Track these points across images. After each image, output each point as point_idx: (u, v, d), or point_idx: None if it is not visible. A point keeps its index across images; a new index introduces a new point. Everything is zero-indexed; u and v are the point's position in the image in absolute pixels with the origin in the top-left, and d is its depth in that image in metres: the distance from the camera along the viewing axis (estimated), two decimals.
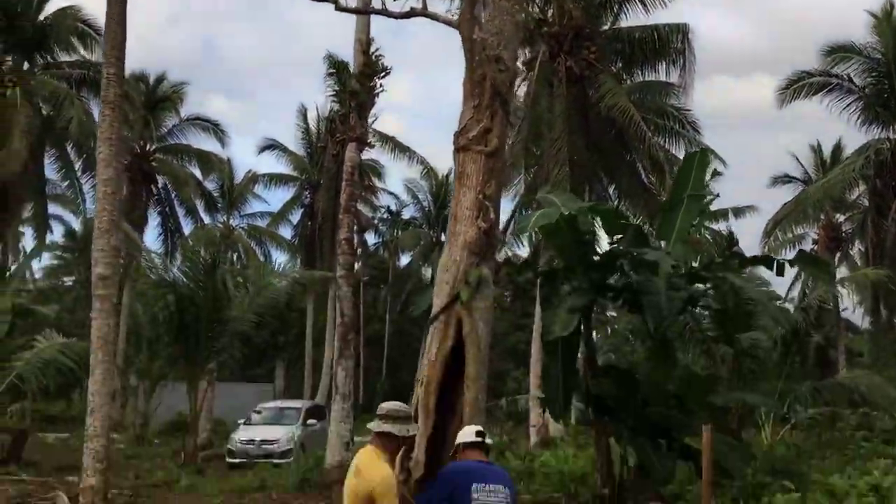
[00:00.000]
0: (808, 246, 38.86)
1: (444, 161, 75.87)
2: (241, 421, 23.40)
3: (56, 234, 46.95)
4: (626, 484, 14.15)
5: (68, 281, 51.32)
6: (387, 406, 5.34)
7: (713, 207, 41.79)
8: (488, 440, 5.46)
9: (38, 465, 18.98)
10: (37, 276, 51.30)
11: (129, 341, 34.49)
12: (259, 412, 23.52)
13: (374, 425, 5.25)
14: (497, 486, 5.10)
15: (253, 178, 42.67)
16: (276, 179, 42.13)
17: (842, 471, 13.75)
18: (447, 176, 46.61)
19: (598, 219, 14.84)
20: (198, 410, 19.50)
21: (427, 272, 46.40)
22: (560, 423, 26.26)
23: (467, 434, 5.47)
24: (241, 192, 45.11)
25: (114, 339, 8.02)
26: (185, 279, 18.08)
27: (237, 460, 20.14)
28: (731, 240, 15.07)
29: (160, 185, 39.82)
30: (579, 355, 15.17)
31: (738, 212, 41.45)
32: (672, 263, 13.07)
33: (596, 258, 13.98)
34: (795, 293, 37.97)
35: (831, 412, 23.34)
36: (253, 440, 20.90)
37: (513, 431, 27.39)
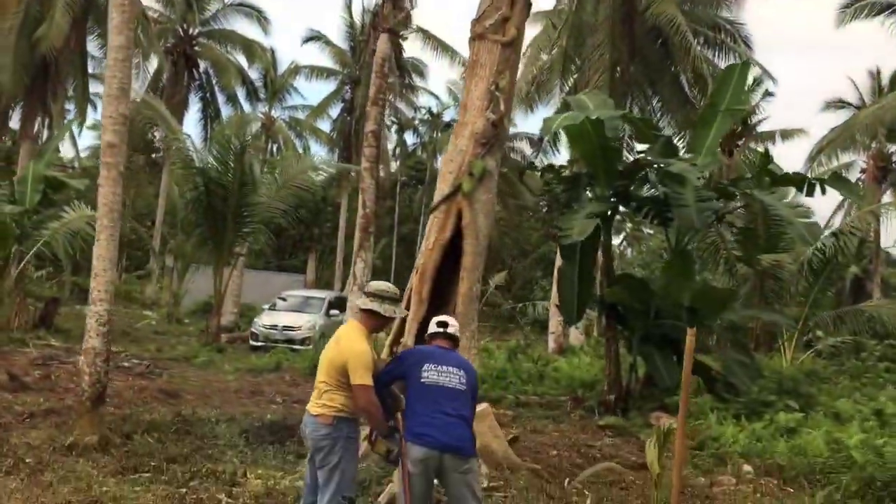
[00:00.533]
0: (855, 175, 37.87)
1: None
2: (267, 306, 23.88)
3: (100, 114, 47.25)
4: (633, 392, 14.30)
5: None
6: (375, 285, 5.38)
7: (760, 129, 40.89)
8: (451, 330, 5.35)
9: (68, 332, 19.65)
10: (83, 154, 52.16)
11: (165, 222, 35.22)
12: (284, 299, 23.90)
13: (361, 302, 5.31)
14: (451, 367, 5.09)
15: (295, 70, 42.24)
16: (317, 72, 41.66)
17: (851, 396, 13.70)
18: None
19: (629, 127, 14.59)
20: (222, 293, 19.87)
21: None
22: (581, 333, 26.57)
23: (431, 325, 5.51)
24: (282, 84, 44.91)
25: (119, 207, 8.05)
26: (213, 162, 18.20)
27: (259, 343, 20.59)
28: (766, 158, 14.54)
29: (202, 70, 39.76)
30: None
31: (786, 135, 40.32)
32: (698, 176, 12.82)
33: (621, 166, 13.79)
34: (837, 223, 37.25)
35: (855, 341, 23.18)
36: (276, 325, 21.32)
37: (535, 338, 27.61)
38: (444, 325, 5.41)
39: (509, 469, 7.34)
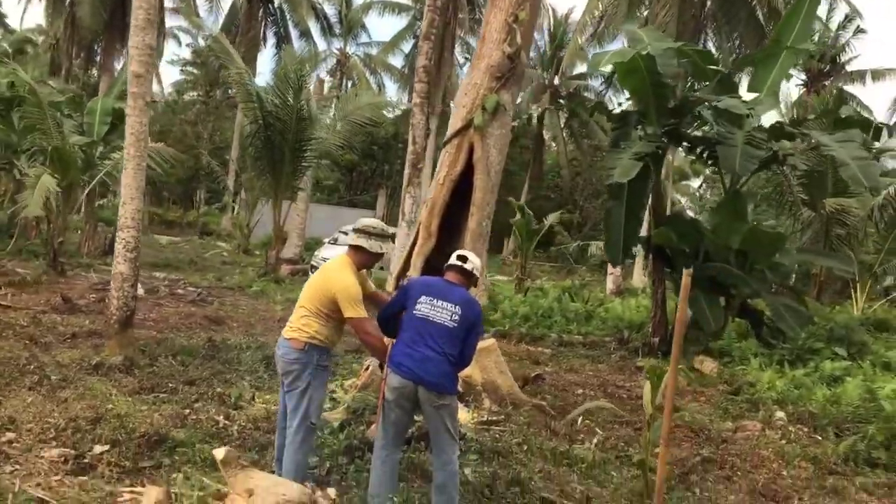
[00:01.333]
0: None
1: (563, 0, 72.71)
2: (328, 240, 24.23)
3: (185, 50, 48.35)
4: None
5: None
6: (364, 222, 5.41)
7: (849, 67, 38.90)
8: (469, 266, 5.20)
9: None
10: (167, 90, 53.46)
11: (239, 156, 35.92)
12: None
13: (350, 238, 5.35)
14: (445, 303, 5.00)
15: (368, 5, 42.09)
16: (390, 7, 41.35)
17: None
18: (566, 16, 44.71)
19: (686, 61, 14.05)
20: (282, 226, 20.24)
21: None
22: (645, 276, 26.17)
23: (452, 257, 5.43)
24: (356, 19, 44.84)
25: (146, 137, 8.23)
26: (271, 97, 18.36)
27: None
28: (838, 98, 13.88)
29: (276, 6, 39.97)
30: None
31: (878, 75, 38.38)
32: (747, 114, 12.33)
33: (671, 104, 13.36)
34: None
35: None
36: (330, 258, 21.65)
37: (594, 279, 27.40)
38: (462, 258, 5.29)
39: (513, 405, 7.36)
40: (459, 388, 6.91)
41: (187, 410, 6.49)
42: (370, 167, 48.48)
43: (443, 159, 7.99)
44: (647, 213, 15.17)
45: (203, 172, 41.83)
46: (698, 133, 14.10)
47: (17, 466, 4.96)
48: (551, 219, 20.61)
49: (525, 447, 6.60)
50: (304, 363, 5.11)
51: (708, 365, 12.42)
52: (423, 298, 5.09)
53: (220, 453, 4.31)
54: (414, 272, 7.21)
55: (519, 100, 45.74)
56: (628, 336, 14.75)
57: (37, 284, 13.64)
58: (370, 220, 5.46)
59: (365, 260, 5.41)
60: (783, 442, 8.31)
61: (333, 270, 5.27)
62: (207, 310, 13.44)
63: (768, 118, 14.59)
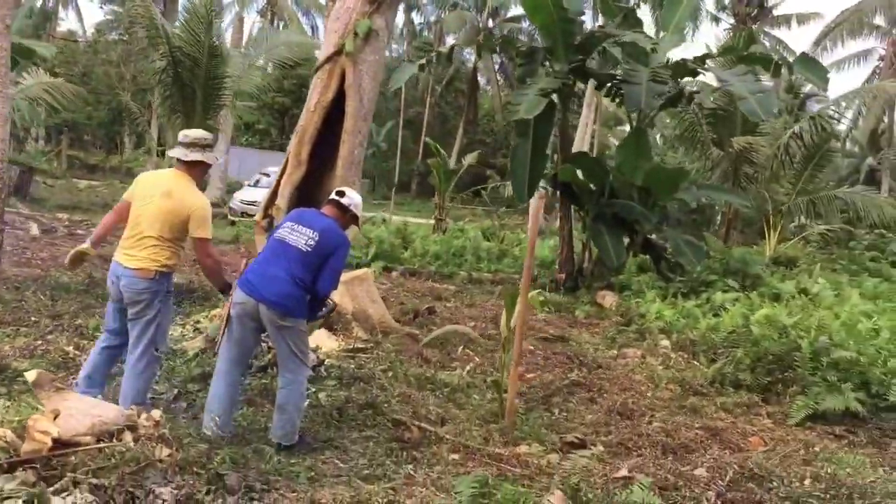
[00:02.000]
0: (872, 63, 36.65)
1: None
2: (248, 182, 23.90)
3: None
4: (585, 271, 14.30)
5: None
6: (193, 134, 5.27)
7: (776, 12, 39.32)
8: (345, 200, 5.20)
9: (44, 201, 19.89)
10: (89, 30, 51.58)
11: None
12: (267, 175, 23.87)
13: (181, 153, 5.20)
14: (305, 229, 4.99)
15: None
16: None
17: (799, 279, 13.57)
18: None
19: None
20: None
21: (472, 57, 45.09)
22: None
23: (332, 192, 5.40)
24: None
25: (8, 63, 7.89)
26: (178, 32, 17.74)
27: (236, 218, 20.70)
28: (748, 38, 13.93)
29: None
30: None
31: (803, 18, 38.81)
32: (650, 48, 12.38)
33: (577, 40, 13.33)
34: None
35: (848, 231, 22.92)
36: (254, 202, 21.38)
37: (518, 220, 27.54)
38: (340, 193, 5.29)
39: (384, 333, 7.39)
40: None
41: (39, 342, 6.36)
42: (298, 110, 47.65)
43: (314, 85, 7.81)
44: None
45: (126, 115, 40.62)
46: (602, 69, 14.12)
47: None
48: (468, 159, 20.59)
49: (390, 373, 6.64)
50: (153, 291, 5.06)
51: (609, 299, 12.64)
52: (286, 223, 5.11)
53: (31, 375, 4.23)
54: (282, 201, 7.11)
55: (451, 41, 45.35)
56: (538, 273, 14.92)
57: None
58: (199, 132, 5.31)
59: (201, 173, 5.32)
60: (660, 368, 8.54)
61: (184, 191, 5.14)
62: (104, 249, 13.13)
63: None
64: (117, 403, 4.86)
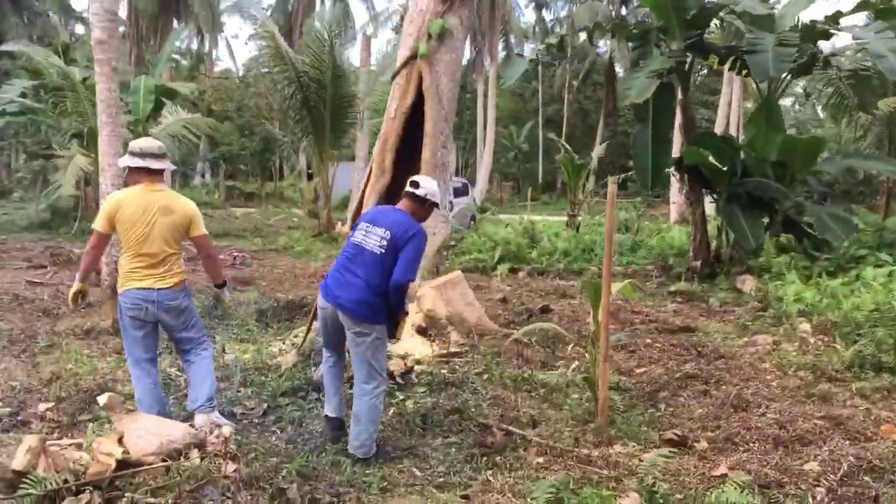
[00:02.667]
0: None
1: None
2: None
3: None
4: (723, 256, 13.58)
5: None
6: (146, 144, 5.16)
7: None
8: (420, 192, 5.09)
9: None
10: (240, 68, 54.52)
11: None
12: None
13: (145, 163, 5.08)
14: (377, 229, 4.94)
15: None
16: None
17: None
18: None
19: None
20: (329, 185, 20.38)
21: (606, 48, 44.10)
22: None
23: (408, 184, 5.28)
24: None
25: (117, 103, 8.34)
26: (301, 57, 18.36)
27: None
28: None
29: None
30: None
31: None
32: (767, 12, 11.58)
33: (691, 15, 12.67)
34: None
35: None
36: None
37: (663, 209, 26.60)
38: (414, 184, 5.20)
39: (480, 336, 7.21)
40: (422, 324, 6.86)
41: None
42: None
43: (393, 92, 7.78)
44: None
45: (277, 143, 42.47)
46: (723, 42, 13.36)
47: None
48: (597, 152, 20.05)
49: (485, 376, 6.47)
50: (187, 296, 5.24)
51: (748, 284, 11.93)
52: (362, 225, 5.09)
53: (103, 399, 4.38)
54: (367, 209, 7.08)
55: (582, 37, 44.46)
56: (671, 263, 14.31)
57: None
58: (150, 141, 5.23)
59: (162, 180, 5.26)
60: (793, 354, 7.91)
61: (176, 201, 5.21)
62: (244, 272, 13.72)
63: None
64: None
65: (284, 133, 35.39)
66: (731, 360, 7.70)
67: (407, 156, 7.38)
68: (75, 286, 5.09)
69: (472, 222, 23.23)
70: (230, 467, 4.22)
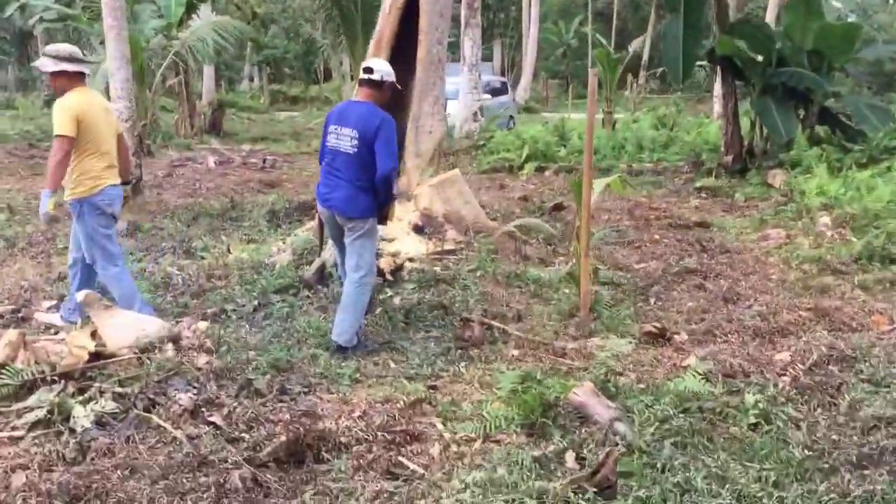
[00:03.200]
0: None
1: None
2: None
3: None
4: (757, 150, 13.25)
5: None
6: (69, 48, 5.17)
7: None
8: (376, 76, 5.06)
9: (235, 135, 21.26)
10: None
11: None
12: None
13: (75, 66, 5.12)
14: (345, 129, 5.01)
15: None
16: None
17: None
18: None
19: None
20: None
21: None
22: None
23: (360, 70, 5.26)
24: None
25: (121, 5, 8.36)
26: None
27: None
28: None
29: None
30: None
31: None
32: None
33: None
34: None
35: None
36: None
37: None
38: (368, 70, 5.16)
39: (477, 233, 7.22)
40: (418, 222, 6.92)
41: (151, 265, 6.85)
42: (486, 18, 47.00)
43: None
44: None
45: (318, 45, 42.05)
46: None
47: None
48: (635, 45, 19.45)
49: (479, 273, 6.52)
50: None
51: (779, 178, 11.66)
52: (331, 128, 5.16)
53: (80, 296, 4.57)
54: None
55: None
56: (704, 159, 14.00)
57: None
58: (70, 46, 5.27)
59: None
60: (807, 247, 7.79)
61: (105, 100, 5.54)
62: (272, 175, 13.88)
63: None
64: None
65: (324, 35, 34.99)
66: (736, 255, 7.63)
67: (402, 53, 7.26)
68: (51, 199, 4.97)
69: (513, 122, 22.94)
70: (202, 359, 4.40)
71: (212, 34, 16.91)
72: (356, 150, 4.97)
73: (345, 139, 5.02)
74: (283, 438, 3.51)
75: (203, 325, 4.72)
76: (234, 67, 41.85)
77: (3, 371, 4.06)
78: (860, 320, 5.48)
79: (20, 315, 5.56)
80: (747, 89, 13.46)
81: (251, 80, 45.86)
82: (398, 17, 7.33)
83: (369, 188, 5.03)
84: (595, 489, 3.10)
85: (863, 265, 7.03)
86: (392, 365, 4.92)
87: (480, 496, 3.20)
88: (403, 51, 7.27)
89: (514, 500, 3.14)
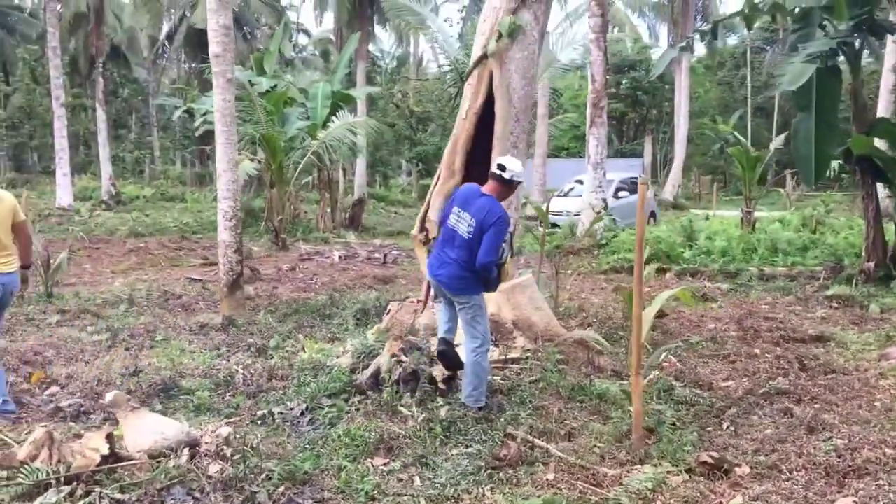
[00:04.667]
0: None
1: None
2: (557, 192, 24.03)
3: None
4: None
5: None
6: None
7: None
8: (507, 174, 5.74)
9: (373, 230, 21.90)
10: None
11: None
12: (581, 182, 23.74)
13: None
14: (466, 215, 5.65)
15: None
16: None
17: None
18: None
19: None
20: None
21: None
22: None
23: (494, 165, 5.88)
24: None
25: (232, 112, 8.81)
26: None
27: (548, 229, 20.85)
28: None
29: None
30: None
31: None
32: None
33: None
34: None
35: None
36: (562, 211, 21.48)
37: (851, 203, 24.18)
38: (501, 167, 5.79)
39: (548, 341, 6.90)
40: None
41: (222, 361, 6.99)
42: (639, 114, 46.82)
43: (466, 92, 7.62)
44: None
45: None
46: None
47: (22, 413, 5.73)
48: (776, 143, 18.61)
49: (541, 385, 6.22)
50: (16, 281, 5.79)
51: None
52: (454, 208, 5.82)
53: (109, 396, 4.68)
54: (433, 213, 7.02)
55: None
56: (842, 265, 13.00)
57: (258, 259, 15.12)
58: None
59: None
60: None
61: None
62: (391, 270, 14.09)
63: None
64: None
65: None
66: (842, 376, 6.91)
67: (478, 158, 7.23)
68: None
69: (653, 220, 22.39)
70: (214, 467, 4.36)
71: (347, 134, 17.68)
72: (471, 235, 5.61)
73: (464, 223, 5.67)
74: None
75: (226, 430, 4.71)
76: (389, 163, 43.52)
77: (21, 469, 4.18)
78: None
79: (82, 409, 5.77)
80: (893, 191, 12.52)
81: (408, 175, 47.50)
82: (474, 122, 7.35)
83: (473, 272, 5.65)
84: None
85: None
86: (416, 482, 4.71)
87: None
88: (479, 156, 7.24)
89: None
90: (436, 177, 7.75)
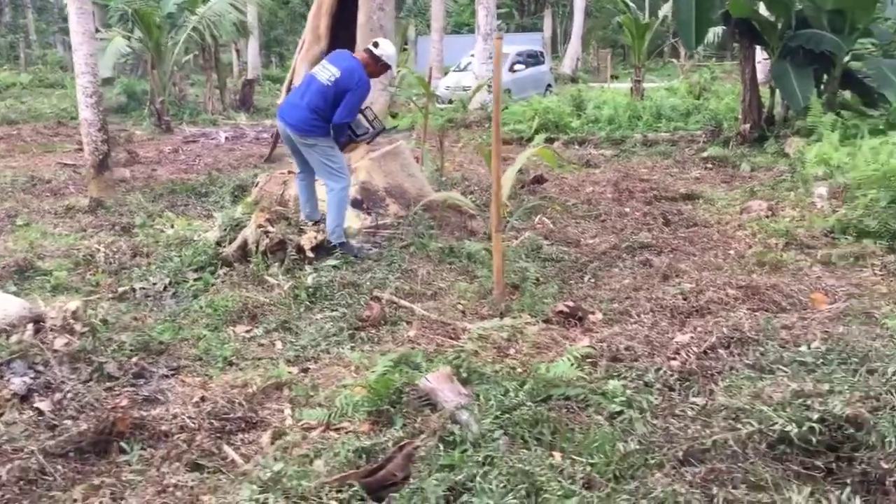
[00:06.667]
0: None
1: None
2: (454, 67, 23.72)
3: None
4: (777, 118, 12.59)
5: None
6: None
7: None
8: (378, 51, 6.01)
9: (265, 111, 21.26)
10: None
11: None
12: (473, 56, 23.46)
13: None
14: (331, 66, 5.86)
15: None
16: None
17: None
18: None
19: None
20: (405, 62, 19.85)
21: None
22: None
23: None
24: None
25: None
26: None
27: (442, 105, 20.68)
28: None
29: None
30: None
31: None
32: None
33: None
34: None
35: None
36: (456, 85, 21.27)
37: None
38: (376, 44, 6.05)
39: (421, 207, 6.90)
40: (357, 196, 6.68)
41: (84, 240, 6.77)
42: None
43: None
44: None
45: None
46: None
47: None
48: (664, 10, 18.65)
49: (411, 249, 6.25)
50: None
51: (794, 146, 11.01)
52: (323, 61, 6.10)
53: None
54: (298, 79, 6.80)
55: None
56: (720, 128, 13.32)
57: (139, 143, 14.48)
58: None
59: None
60: (786, 220, 7.28)
61: None
62: (279, 149, 13.75)
63: None
64: None
65: None
66: (703, 229, 7.19)
67: (343, 21, 6.98)
68: None
69: (549, 91, 22.40)
70: (60, 341, 4.25)
71: (230, 10, 16.82)
72: (330, 84, 5.78)
73: (326, 72, 5.84)
74: (84, 427, 3.33)
75: (73, 304, 4.57)
76: (285, 43, 41.86)
77: None
78: (798, 299, 5.02)
79: None
80: (766, 53, 12.77)
81: None
82: None
83: (322, 119, 5.82)
84: (367, 487, 2.83)
85: (834, 238, 6.53)
86: (278, 346, 4.72)
87: (259, 493, 2.96)
88: (344, 19, 6.99)
89: (290, 495, 2.90)
90: (300, 42, 7.46)
